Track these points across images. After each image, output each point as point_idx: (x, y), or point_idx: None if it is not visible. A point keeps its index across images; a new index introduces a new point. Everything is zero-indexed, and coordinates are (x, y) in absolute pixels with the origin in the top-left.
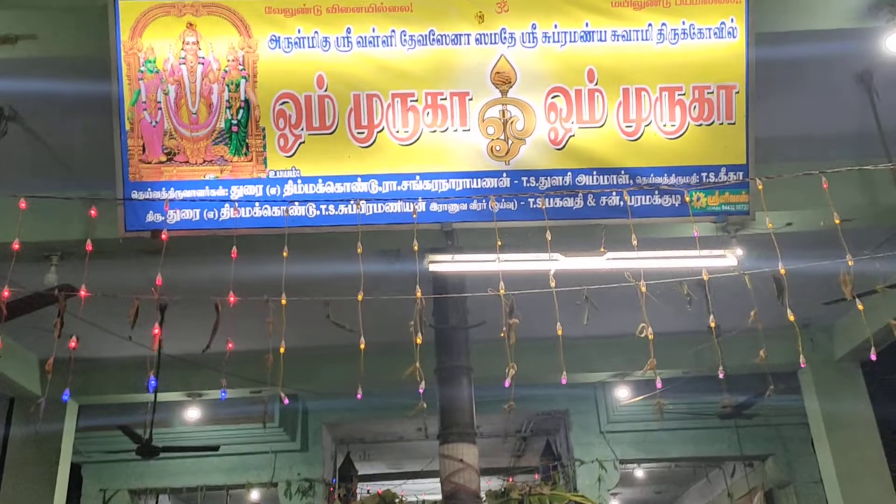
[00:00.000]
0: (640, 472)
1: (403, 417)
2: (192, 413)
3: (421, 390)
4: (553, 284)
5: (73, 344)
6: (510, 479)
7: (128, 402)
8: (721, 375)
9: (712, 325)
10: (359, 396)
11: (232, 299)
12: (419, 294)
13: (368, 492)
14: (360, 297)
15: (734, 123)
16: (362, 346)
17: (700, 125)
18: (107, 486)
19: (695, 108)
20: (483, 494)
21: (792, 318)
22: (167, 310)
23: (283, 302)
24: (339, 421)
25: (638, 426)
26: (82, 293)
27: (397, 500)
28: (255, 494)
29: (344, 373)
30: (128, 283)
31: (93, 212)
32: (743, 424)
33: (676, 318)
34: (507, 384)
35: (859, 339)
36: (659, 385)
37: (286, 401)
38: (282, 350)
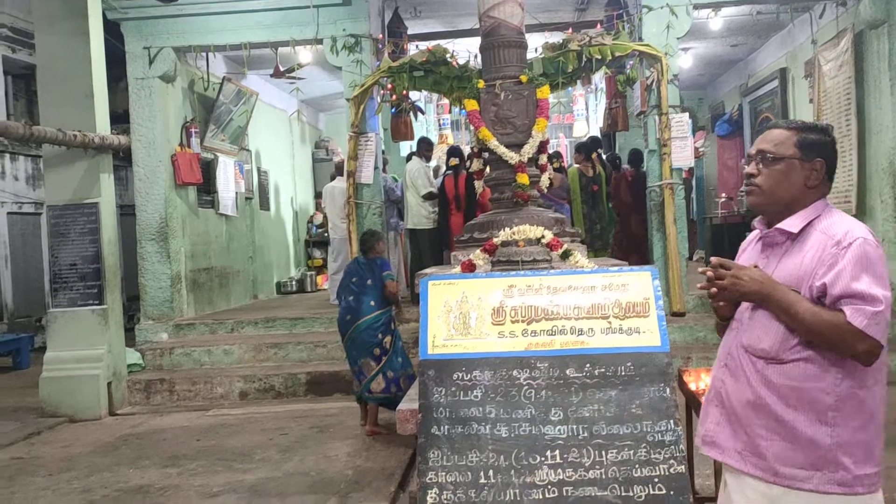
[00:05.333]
0: (715, 24)
1: None
2: None
3: None
4: None
5: None
6: (569, 32)
7: None
8: None
9: None
10: None
11: None
12: None
13: (417, 47)
14: None
15: None
16: None
17: None
18: (150, 45)
19: None
20: (540, 47)
21: None
22: None
23: None
24: None
25: None
26: None
27: (448, 56)
28: (302, 54)
29: None
30: None
31: None
32: None
33: None
34: None
35: None
36: None
37: None
38: None
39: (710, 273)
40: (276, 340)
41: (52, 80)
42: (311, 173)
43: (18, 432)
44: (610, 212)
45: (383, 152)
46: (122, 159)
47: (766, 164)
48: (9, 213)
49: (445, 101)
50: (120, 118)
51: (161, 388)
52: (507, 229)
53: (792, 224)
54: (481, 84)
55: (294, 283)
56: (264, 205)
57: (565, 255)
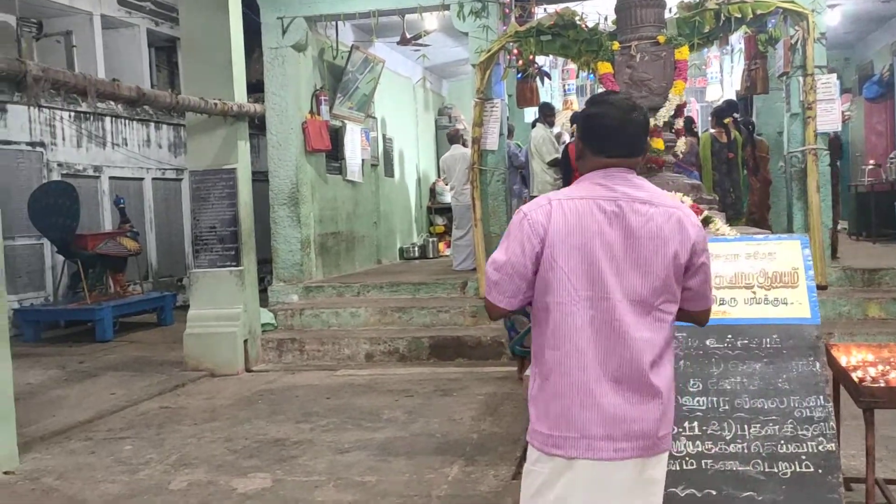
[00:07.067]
0: None
1: None
2: None
3: None
4: None
5: None
6: None
7: None
8: None
9: None
10: None
11: None
12: None
13: (545, 10)
14: None
15: None
16: None
17: None
18: (283, 15)
19: None
20: (675, 7)
21: None
22: None
23: None
24: None
25: None
26: None
27: (577, 19)
28: (429, 21)
29: None
30: None
31: None
32: None
33: None
34: None
35: None
36: None
37: None
38: None
39: None
40: (401, 304)
41: (193, 51)
42: (435, 140)
43: (166, 383)
44: (745, 180)
45: (508, 118)
46: (255, 127)
47: None
48: (153, 178)
49: (571, 65)
50: (252, 87)
51: (292, 347)
52: None
53: None
54: (616, 46)
55: (416, 248)
56: (389, 171)
57: (705, 222)
